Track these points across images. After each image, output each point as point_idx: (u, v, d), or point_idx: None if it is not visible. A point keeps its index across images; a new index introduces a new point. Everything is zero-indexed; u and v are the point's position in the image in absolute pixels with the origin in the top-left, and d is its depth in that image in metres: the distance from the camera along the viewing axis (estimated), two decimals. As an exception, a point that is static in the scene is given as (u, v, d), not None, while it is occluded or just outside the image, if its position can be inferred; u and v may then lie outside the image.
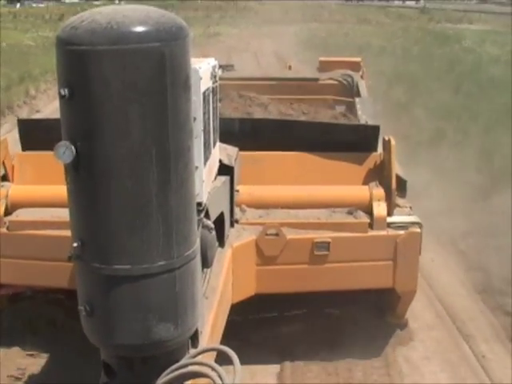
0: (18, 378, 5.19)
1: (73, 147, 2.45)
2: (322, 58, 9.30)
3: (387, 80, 14.71)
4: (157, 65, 2.43)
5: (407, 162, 5.12)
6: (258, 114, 6.68)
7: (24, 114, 14.28)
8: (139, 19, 2.42)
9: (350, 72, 8.38)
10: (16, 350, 5.50)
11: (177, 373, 2.74)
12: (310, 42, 28.18)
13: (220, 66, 4.39)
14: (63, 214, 2.76)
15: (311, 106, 7.38)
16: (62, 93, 2.42)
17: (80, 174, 2.51)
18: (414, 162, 6.34)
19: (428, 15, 48.73)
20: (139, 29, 2.39)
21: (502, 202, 7.93)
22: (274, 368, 5.35)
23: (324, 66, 8.87)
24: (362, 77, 8.44)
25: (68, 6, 51.95)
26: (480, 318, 6.01)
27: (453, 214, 7.78)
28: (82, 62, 2.38)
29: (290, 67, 10.72)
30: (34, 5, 62.47)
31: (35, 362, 5.39)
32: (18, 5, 59.78)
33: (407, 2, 78.71)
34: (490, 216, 7.71)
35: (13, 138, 5.56)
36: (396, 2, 79.12)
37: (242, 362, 2.67)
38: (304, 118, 6.86)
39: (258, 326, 5.70)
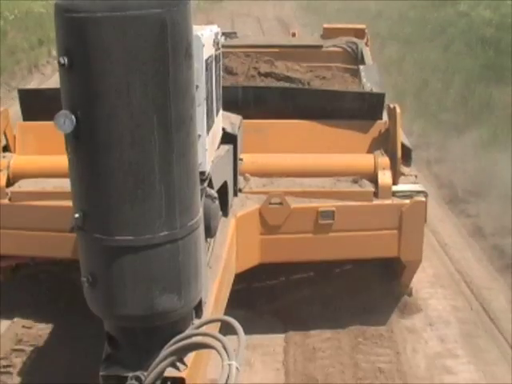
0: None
1: (73, 117, 2.40)
2: (326, 25, 9.17)
3: (381, 40, 15.14)
4: (157, 32, 2.37)
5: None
6: (265, 68, 6.70)
7: (48, 71, 15.31)
8: None
9: (354, 39, 8.27)
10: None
11: (181, 344, 2.73)
12: (310, 6, 28.98)
13: (223, 34, 4.32)
14: (65, 185, 2.72)
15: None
16: (62, 61, 2.37)
17: (81, 143, 2.47)
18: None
19: None
20: None
21: (472, 136, 9.42)
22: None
23: (328, 33, 8.74)
24: (366, 44, 8.33)
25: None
26: (446, 220, 7.08)
27: (430, 145, 9.46)
28: (81, 30, 2.33)
29: (293, 34, 10.58)
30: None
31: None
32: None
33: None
34: (460, 147, 9.15)
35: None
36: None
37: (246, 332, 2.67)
38: (310, 75, 6.83)
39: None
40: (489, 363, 5.20)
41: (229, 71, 6.43)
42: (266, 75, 6.55)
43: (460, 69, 13.77)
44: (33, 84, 13.77)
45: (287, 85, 6.36)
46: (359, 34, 8.54)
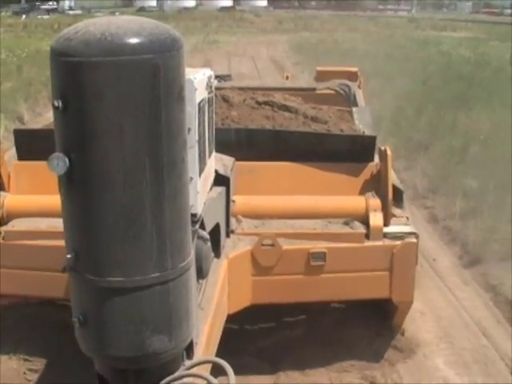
0: None
1: (66, 159, 2.44)
2: (319, 68, 9.29)
3: (365, 76, 16.33)
4: (151, 76, 2.42)
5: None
6: (262, 98, 6.77)
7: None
8: (133, 30, 2.41)
9: (347, 82, 8.36)
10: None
11: (171, 385, 2.73)
12: (301, 48, 30.33)
13: (217, 76, 4.36)
14: (59, 224, 2.75)
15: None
16: (56, 104, 2.41)
17: (73, 185, 2.50)
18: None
19: (415, 23, 49.46)
20: (133, 40, 2.39)
21: (434, 151, 11.74)
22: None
23: (321, 76, 8.85)
24: (359, 86, 8.42)
25: (73, 17, 52.58)
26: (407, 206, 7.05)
27: (399, 158, 10.34)
28: (76, 74, 2.38)
29: (287, 77, 10.71)
30: (39, 16, 63.15)
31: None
32: (24, 16, 60.76)
33: (399, 12, 78.78)
34: (424, 159, 11.33)
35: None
36: (388, 12, 79.25)
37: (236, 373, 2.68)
38: (306, 106, 6.93)
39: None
40: (428, 297, 6.69)
41: (225, 100, 6.47)
42: (264, 103, 6.61)
43: (433, 99, 15.74)
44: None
45: (286, 114, 6.41)
46: (352, 76, 8.65)
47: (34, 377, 5.35)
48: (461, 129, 13.00)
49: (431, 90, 17.30)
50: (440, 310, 6.58)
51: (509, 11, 69.23)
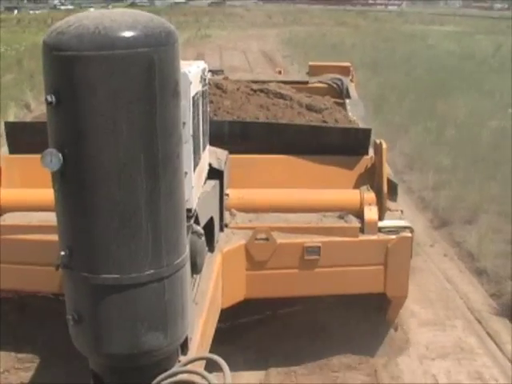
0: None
1: (60, 155, 2.40)
2: (312, 63, 9.28)
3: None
4: (145, 71, 2.38)
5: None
6: (256, 86, 6.79)
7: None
8: (127, 24, 2.37)
9: (339, 76, 8.36)
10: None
11: (167, 382, 2.71)
12: (291, 41, 31.50)
13: (209, 71, 4.32)
14: (51, 218, 2.72)
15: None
16: (49, 99, 2.37)
17: (67, 181, 2.47)
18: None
19: (404, 18, 49.72)
20: (127, 34, 2.34)
21: (413, 133, 13.02)
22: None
23: (314, 71, 8.84)
24: (351, 80, 8.42)
25: (65, 12, 52.50)
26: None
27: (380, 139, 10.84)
28: (69, 68, 2.34)
29: (279, 72, 10.68)
30: (31, 12, 63.12)
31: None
32: (16, 11, 60.96)
33: (389, 7, 78.83)
34: (403, 139, 12.45)
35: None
36: (379, 7, 79.32)
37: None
38: (301, 95, 6.91)
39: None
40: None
41: (219, 87, 6.43)
42: (259, 91, 6.58)
43: (415, 88, 17.14)
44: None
45: (280, 102, 6.38)
46: (344, 71, 8.64)
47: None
48: (438, 114, 14.40)
49: (414, 80, 18.42)
50: (411, 261, 6.90)
51: (498, 5, 69.68)
